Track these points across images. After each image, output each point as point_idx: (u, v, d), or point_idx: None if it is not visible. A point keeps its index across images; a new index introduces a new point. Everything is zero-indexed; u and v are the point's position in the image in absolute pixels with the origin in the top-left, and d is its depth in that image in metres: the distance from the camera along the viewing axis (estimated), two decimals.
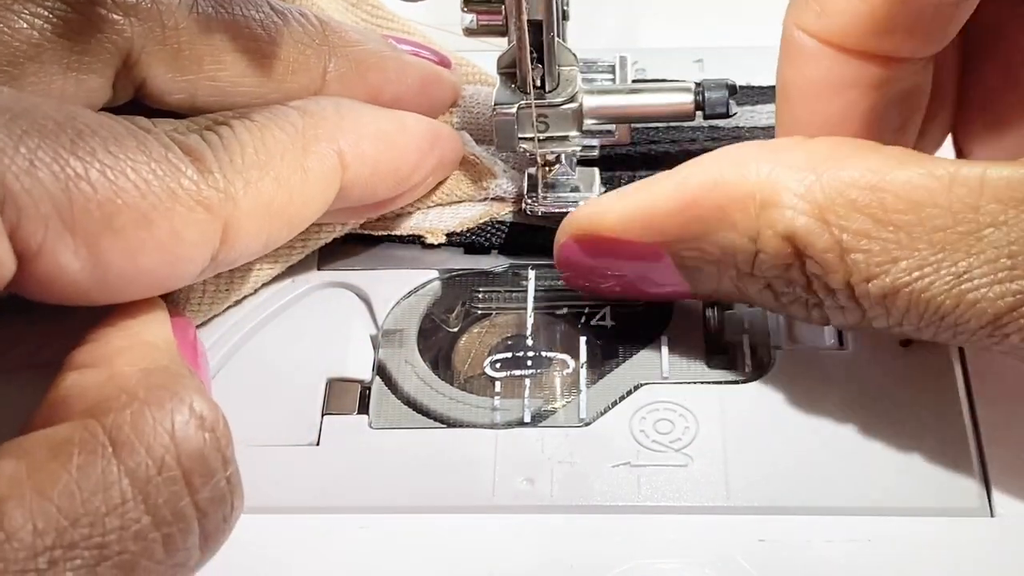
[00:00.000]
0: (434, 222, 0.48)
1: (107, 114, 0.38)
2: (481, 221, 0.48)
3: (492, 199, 0.49)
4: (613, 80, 0.51)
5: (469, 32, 0.47)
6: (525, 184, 0.48)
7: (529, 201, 0.48)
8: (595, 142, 0.49)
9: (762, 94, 0.54)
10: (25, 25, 0.40)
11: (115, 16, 0.41)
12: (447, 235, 0.48)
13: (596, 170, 0.49)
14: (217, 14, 0.43)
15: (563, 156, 0.48)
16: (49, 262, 0.36)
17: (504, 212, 0.49)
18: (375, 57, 0.47)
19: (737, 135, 0.52)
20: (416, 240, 0.48)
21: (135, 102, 0.44)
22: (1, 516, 0.31)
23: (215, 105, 0.44)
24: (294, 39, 0.45)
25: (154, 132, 0.39)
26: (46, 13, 0.40)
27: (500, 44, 0.47)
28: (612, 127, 0.47)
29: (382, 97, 0.47)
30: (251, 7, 0.44)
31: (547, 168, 0.48)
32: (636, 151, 0.51)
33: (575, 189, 0.48)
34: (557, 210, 0.47)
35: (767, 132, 0.52)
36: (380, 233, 0.48)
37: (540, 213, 0.48)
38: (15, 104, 0.36)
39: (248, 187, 0.40)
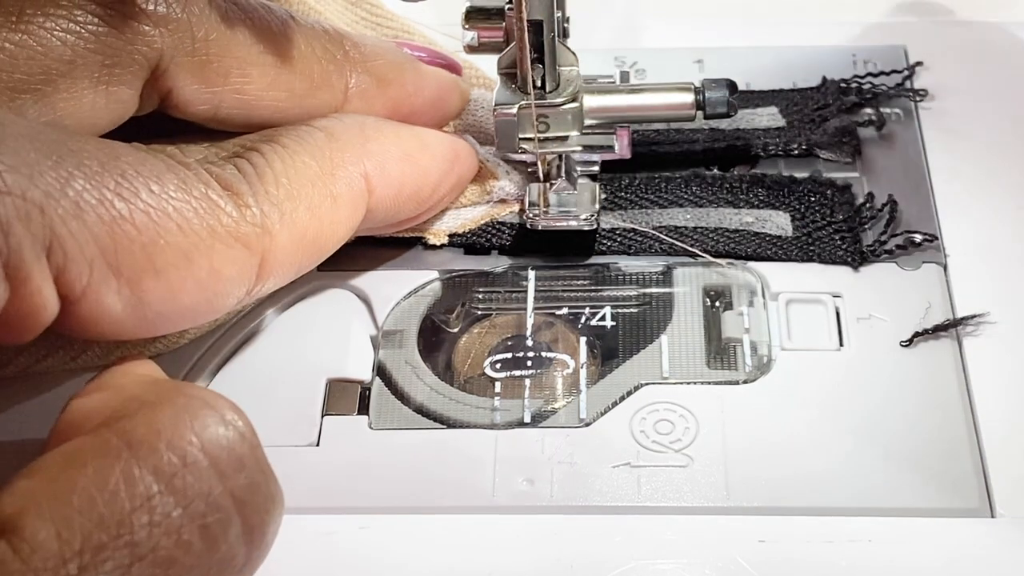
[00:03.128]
0: (436, 223, 0.48)
1: (146, 149, 0.39)
2: (482, 222, 0.48)
3: (495, 201, 0.49)
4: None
5: (471, 49, 0.47)
6: (527, 198, 0.48)
7: (531, 216, 0.48)
8: (596, 157, 0.49)
9: (762, 97, 0.54)
10: (58, 43, 0.40)
11: (146, 27, 0.41)
12: (448, 236, 0.48)
13: (596, 184, 0.49)
14: (245, 26, 0.43)
15: (563, 171, 0.48)
16: (92, 303, 0.36)
17: (505, 213, 0.49)
18: (394, 71, 0.47)
19: (737, 136, 0.52)
20: (417, 241, 0.48)
21: (155, 112, 0.44)
22: (22, 529, 0.31)
23: (238, 118, 0.44)
24: (317, 55, 0.45)
25: (193, 168, 0.39)
26: (78, 28, 0.40)
27: None
28: (613, 142, 0.47)
29: (400, 111, 0.47)
30: (276, 21, 0.44)
31: (548, 184, 0.48)
32: (637, 151, 0.51)
33: (576, 203, 0.48)
34: (557, 224, 0.47)
35: (767, 134, 0.52)
36: (381, 235, 0.48)
37: (540, 228, 0.48)
38: (60, 145, 0.36)
39: (283, 219, 0.40)
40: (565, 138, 0.46)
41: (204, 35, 0.42)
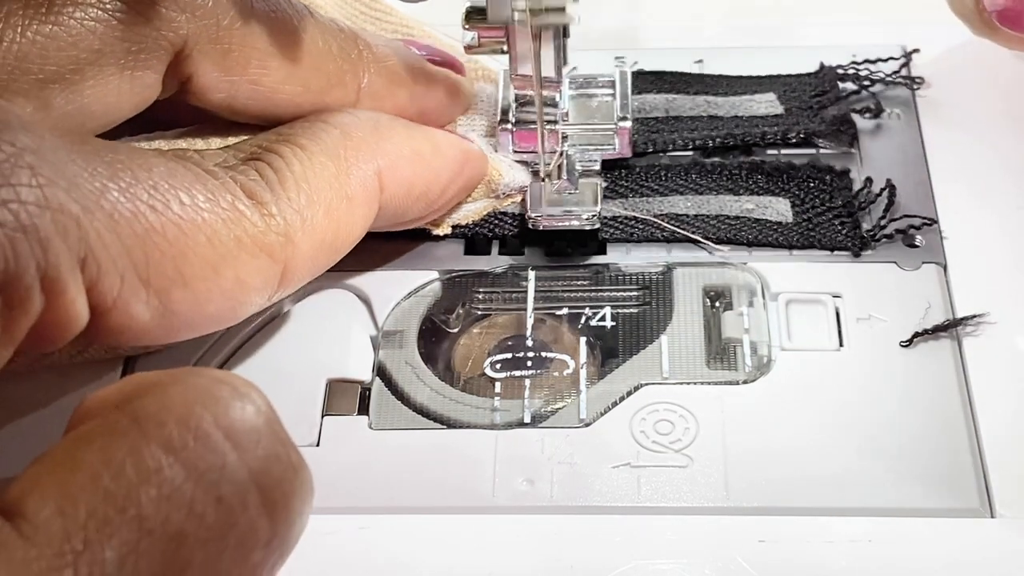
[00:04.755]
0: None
1: (175, 158, 0.39)
2: (485, 213, 0.48)
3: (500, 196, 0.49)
4: (613, 96, 0.51)
5: (471, 49, 0.47)
6: (528, 199, 0.48)
7: (532, 216, 0.48)
8: (596, 155, 0.49)
9: (760, 84, 0.54)
10: (88, 32, 0.40)
11: (173, 13, 0.41)
12: (452, 226, 0.48)
13: (598, 182, 0.49)
14: (268, 17, 0.43)
15: (565, 171, 0.48)
16: (122, 314, 0.36)
17: (507, 204, 0.49)
18: (405, 73, 0.47)
19: (737, 124, 0.52)
20: (418, 240, 0.48)
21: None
22: (24, 509, 0.30)
23: (252, 109, 0.44)
24: (333, 53, 0.45)
25: (220, 177, 0.39)
26: (107, 16, 0.40)
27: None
28: (614, 141, 0.47)
29: (407, 112, 0.47)
30: (297, 15, 0.44)
31: (550, 183, 0.48)
32: (636, 140, 0.50)
33: (578, 203, 0.48)
34: (559, 224, 0.47)
35: (765, 120, 0.52)
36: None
37: (542, 228, 0.48)
38: (95, 157, 0.36)
39: (304, 225, 0.40)
40: (561, 9, 0.44)
41: (229, 23, 0.42)
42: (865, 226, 0.48)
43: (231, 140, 0.45)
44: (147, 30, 0.41)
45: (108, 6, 0.40)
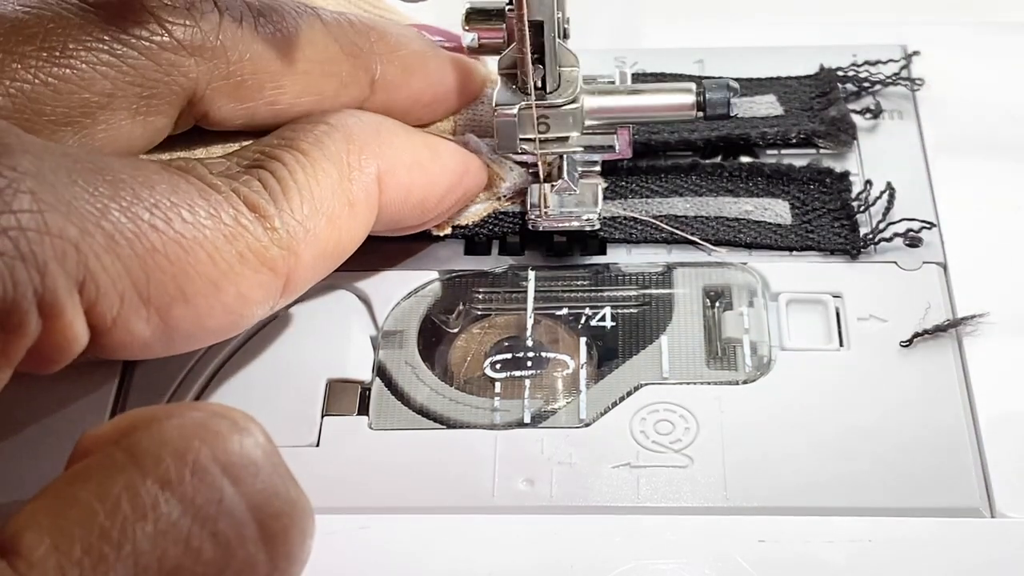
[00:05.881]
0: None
1: (178, 172, 0.39)
2: (486, 214, 0.48)
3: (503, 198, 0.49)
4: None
5: (471, 51, 0.47)
6: (528, 200, 0.48)
7: (532, 217, 0.48)
8: (597, 157, 0.49)
9: (760, 85, 0.54)
10: (99, 76, 0.40)
11: (182, 58, 0.41)
12: (452, 227, 0.48)
13: (599, 184, 0.49)
14: (276, 39, 0.43)
15: (565, 172, 0.48)
16: (122, 332, 0.36)
17: (508, 204, 0.49)
18: (419, 61, 0.47)
19: (736, 125, 0.52)
20: (418, 240, 0.48)
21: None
22: (20, 546, 0.30)
23: (271, 124, 0.44)
24: (344, 53, 0.45)
25: (223, 191, 0.39)
26: (118, 62, 0.40)
27: None
28: (614, 142, 0.47)
29: (423, 99, 0.47)
30: (305, 25, 0.44)
31: (550, 185, 0.48)
32: (636, 140, 0.50)
33: (578, 204, 0.48)
34: (559, 225, 0.48)
35: (765, 121, 0.52)
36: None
37: (542, 229, 0.48)
38: (96, 176, 0.36)
39: (307, 236, 0.40)
40: (566, 139, 0.46)
41: (238, 57, 0.43)
42: (865, 228, 0.48)
43: (231, 144, 0.45)
44: (158, 75, 0.41)
45: (119, 52, 0.40)
